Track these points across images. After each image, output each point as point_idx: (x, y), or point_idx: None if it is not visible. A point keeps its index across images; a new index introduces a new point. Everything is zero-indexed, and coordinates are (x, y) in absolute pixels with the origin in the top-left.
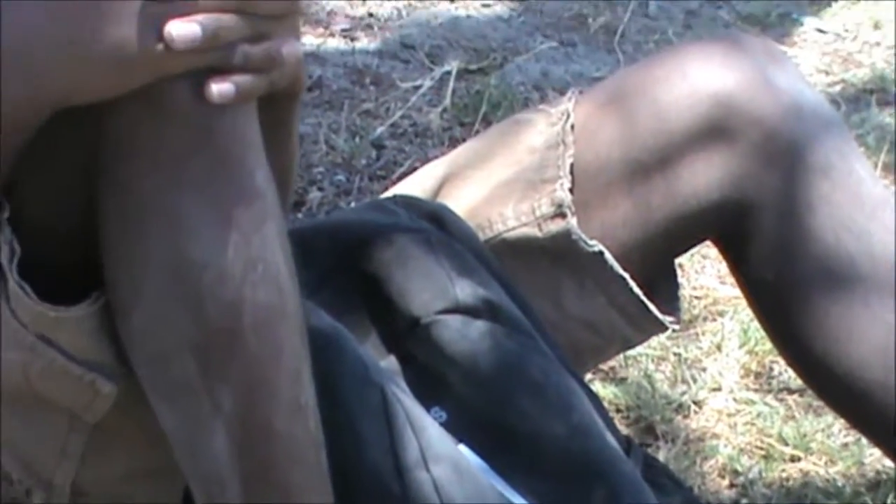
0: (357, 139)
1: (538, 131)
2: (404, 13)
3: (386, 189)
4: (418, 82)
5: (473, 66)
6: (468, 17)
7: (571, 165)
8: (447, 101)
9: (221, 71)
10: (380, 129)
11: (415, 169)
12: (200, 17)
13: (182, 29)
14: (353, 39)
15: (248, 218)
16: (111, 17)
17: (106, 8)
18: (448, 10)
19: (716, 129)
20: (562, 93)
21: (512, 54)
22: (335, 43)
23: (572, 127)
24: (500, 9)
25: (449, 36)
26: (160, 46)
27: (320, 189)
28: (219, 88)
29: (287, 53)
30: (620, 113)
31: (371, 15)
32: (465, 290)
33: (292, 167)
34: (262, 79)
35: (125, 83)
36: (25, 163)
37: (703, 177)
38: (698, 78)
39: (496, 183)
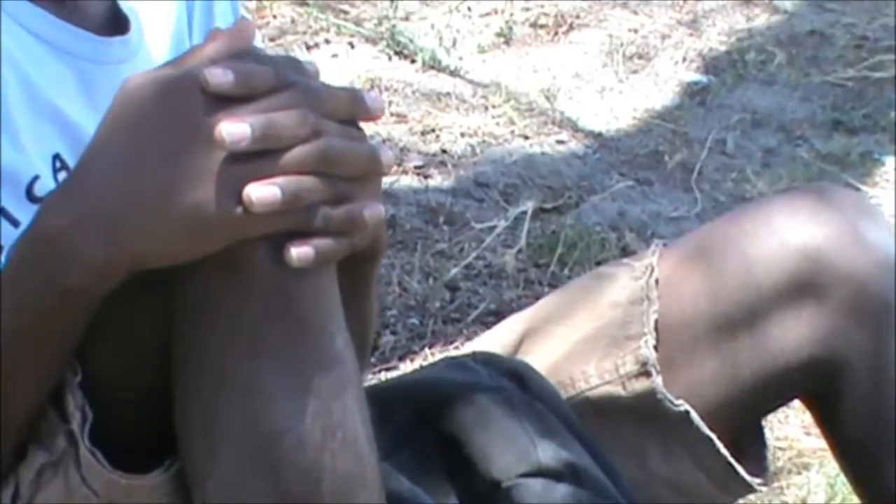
0: (430, 281)
1: (621, 286)
2: (478, 150)
3: (460, 333)
4: (493, 223)
5: (548, 206)
6: (543, 154)
7: (656, 321)
8: (522, 242)
9: (301, 234)
10: (454, 271)
11: (490, 312)
12: (280, 179)
13: (261, 192)
14: (426, 177)
15: (327, 385)
16: (189, 178)
17: (184, 168)
18: (522, 147)
19: (805, 285)
20: (639, 233)
21: (587, 193)
22: (408, 180)
23: (656, 281)
24: (574, 146)
25: (523, 173)
26: (239, 209)
27: (393, 333)
28: (298, 252)
29: (369, 216)
30: (706, 267)
31: (444, 151)
32: (547, 453)
33: (371, 328)
34: (343, 242)
35: (203, 246)
36: (99, 325)
37: (793, 334)
38: (787, 232)
39: (578, 339)
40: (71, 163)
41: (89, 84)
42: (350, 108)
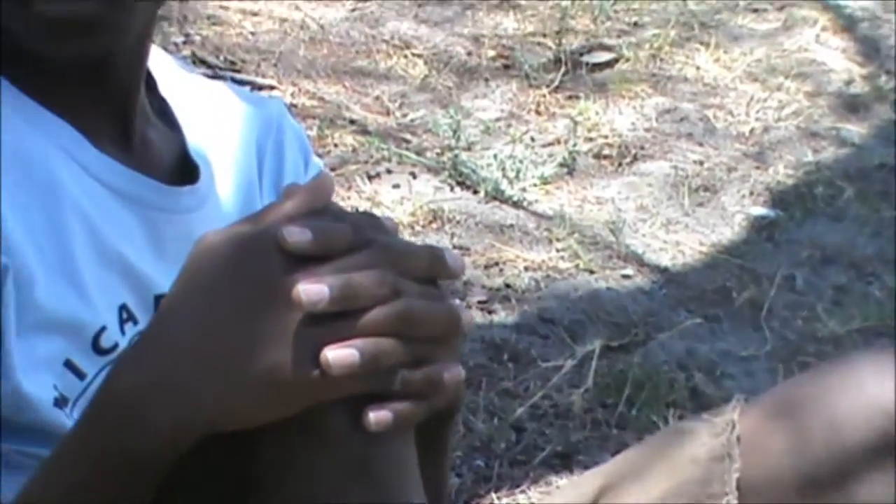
0: (496, 420)
1: (701, 442)
2: (542, 284)
3: (527, 476)
4: (559, 361)
5: (615, 343)
6: (608, 289)
7: (738, 480)
8: (589, 382)
9: (379, 396)
10: (519, 410)
11: (556, 454)
12: (358, 341)
13: (339, 354)
14: (490, 312)
15: None
16: (265, 339)
17: (260, 330)
18: (587, 282)
19: (894, 446)
20: (707, 373)
21: (655, 330)
22: (472, 315)
23: (738, 438)
24: (640, 280)
25: (589, 309)
26: (316, 372)
27: (458, 475)
28: (376, 416)
29: (448, 379)
30: (791, 424)
31: (508, 286)
32: None
33: (446, 484)
34: (422, 405)
35: (279, 409)
36: (170, 486)
37: (882, 495)
38: (875, 390)
39: (657, 496)
40: (137, 313)
41: (157, 233)
42: (430, 268)
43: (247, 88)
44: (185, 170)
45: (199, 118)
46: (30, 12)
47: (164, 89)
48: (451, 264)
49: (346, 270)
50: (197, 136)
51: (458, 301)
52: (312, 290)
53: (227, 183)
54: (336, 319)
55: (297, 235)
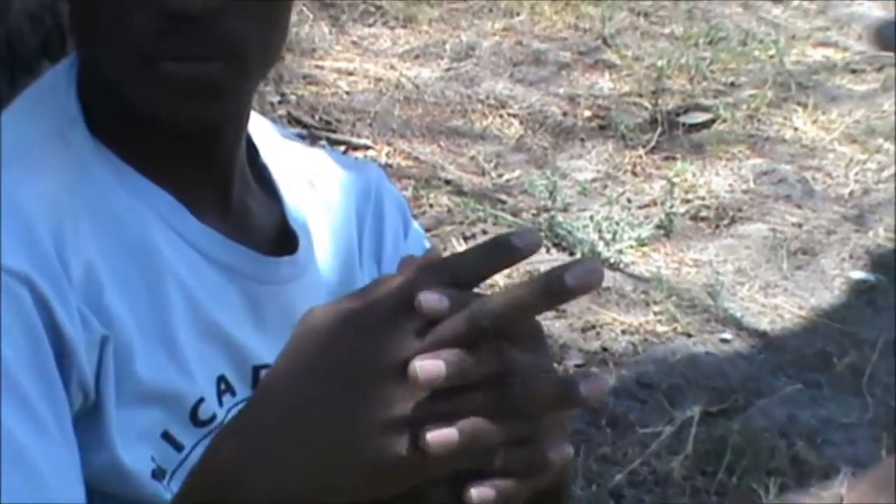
0: (594, 487)
1: None
2: (640, 348)
3: None
4: (657, 427)
5: (714, 409)
6: (707, 353)
7: None
8: (689, 448)
9: (481, 473)
10: (618, 477)
11: None
12: (458, 422)
13: (439, 435)
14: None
15: None
16: (368, 417)
17: (363, 407)
18: (685, 346)
19: None
20: (809, 440)
21: (754, 396)
22: None
23: None
24: (739, 345)
25: (687, 374)
26: (417, 454)
27: None
28: (479, 493)
29: (553, 457)
30: None
31: (605, 349)
32: None
33: None
34: (526, 483)
35: (379, 487)
36: None
37: None
38: None
39: None
40: (236, 384)
41: (256, 304)
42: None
43: (342, 148)
44: (284, 238)
45: (297, 185)
46: (154, 74)
47: (264, 156)
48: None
49: (458, 344)
50: (296, 204)
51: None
52: (429, 366)
53: (326, 251)
54: (438, 397)
55: (435, 303)
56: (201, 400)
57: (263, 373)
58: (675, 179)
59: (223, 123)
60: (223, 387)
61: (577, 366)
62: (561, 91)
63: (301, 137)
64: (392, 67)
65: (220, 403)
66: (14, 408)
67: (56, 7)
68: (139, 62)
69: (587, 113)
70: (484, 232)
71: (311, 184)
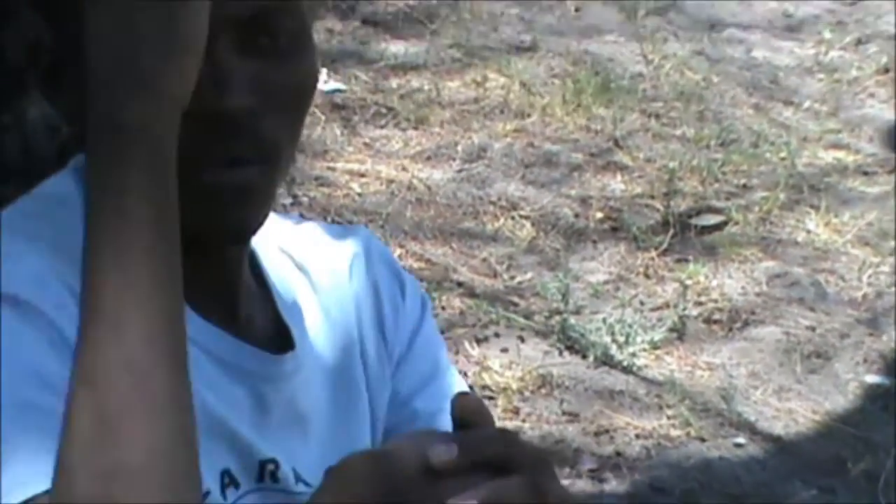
0: None
1: None
2: (654, 453)
3: None
4: None
5: None
6: (720, 458)
7: None
8: None
9: None
10: None
11: None
12: None
13: None
14: (601, 481)
15: None
16: None
17: None
18: (699, 450)
19: None
20: None
21: (769, 501)
22: (582, 484)
23: None
24: (753, 449)
25: (701, 478)
26: None
27: None
28: None
29: None
30: None
31: (619, 454)
32: None
33: None
34: None
35: None
36: None
37: None
38: None
39: None
40: (240, 478)
41: (262, 401)
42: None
43: None
44: (280, 331)
45: (288, 271)
46: (196, 182)
47: (254, 244)
48: None
49: (492, 487)
50: (288, 292)
51: (567, 469)
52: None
53: (321, 335)
54: None
55: (444, 454)
56: (207, 493)
57: (270, 467)
58: (688, 282)
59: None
60: (227, 480)
61: (591, 470)
62: (573, 193)
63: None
64: (404, 169)
65: (224, 497)
66: None
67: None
68: (182, 173)
69: (599, 214)
70: (496, 335)
71: (300, 268)
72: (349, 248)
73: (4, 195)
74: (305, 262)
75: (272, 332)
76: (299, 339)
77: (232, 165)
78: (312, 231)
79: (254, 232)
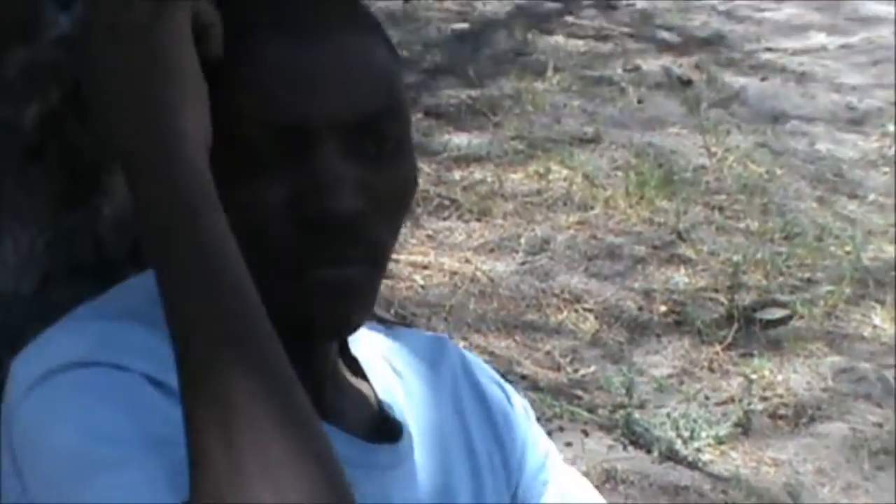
0: None
1: None
2: None
3: None
4: None
5: None
6: None
7: None
8: None
9: None
10: None
11: None
12: None
13: None
14: None
15: None
16: None
17: None
18: None
19: None
20: None
21: None
22: None
23: None
24: None
25: None
26: None
27: None
28: None
29: None
30: None
31: None
32: None
33: None
34: None
35: None
36: None
37: None
38: None
39: None
40: None
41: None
42: None
43: None
44: (380, 428)
45: (386, 374)
46: (302, 280)
47: (352, 346)
48: None
49: None
50: (388, 393)
51: None
52: None
53: (417, 444)
54: None
55: None
56: None
57: None
58: (753, 376)
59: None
60: None
61: None
62: (636, 286)
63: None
64: (467, 261)
65: None
66: None
67: None
68: (286, 272)
69: (663, 308)
70: (560, 428)
71: (396, 372)
72: (444, 361)
73: (79, 296)
74: (401, 368)
75: (372, 426)
76: (406, 437)
77: (337, 265)
78: (406, 339)
79: (356, 328)
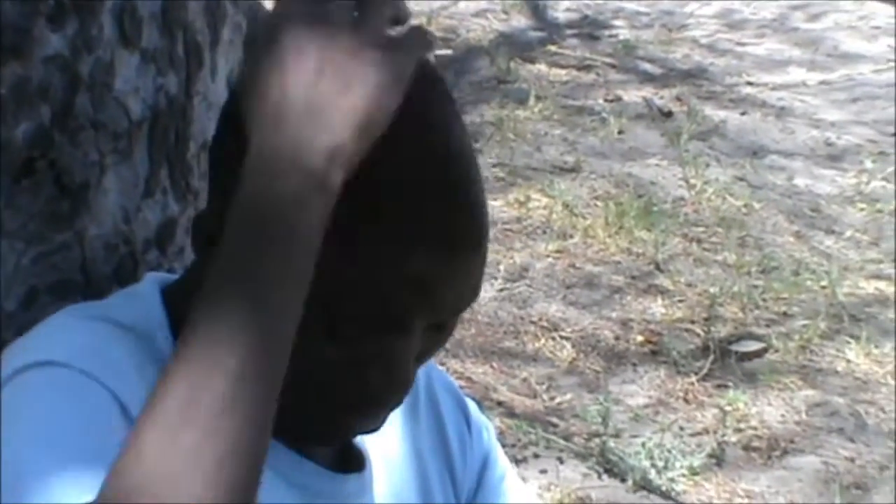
0: None
1: None
2: None
3: None
4: None
5: None
6: None
7: None
8: None
9: None
10: None
11: None
12: None
13: None
14: None
15: None
16: None
17: None
18: None
19: None
20: None
21: None
22: None
23: None
24: None
25: None
26: None
27: None
28: None
29: None
30: None
31: None
32: None
33: None
34: None
35: None
36: None
37: None
38: None
39: None
40: None
41: None
42: None
43: None
44: (347, 456)
45: None
46: (340, 422)
47: None
48: None
49: None
50: None
51: None
52: None
53: (394, 463)
54: None
55: None
56: None
57: None
58: (728, 408)
59: None
60: None
61: None
62: (613, 315)
63: None
64: None
65: None
66: None
67: (129, 237)
68: (328, 414)
69: (639, 338)
70: (536, 455)
71: None
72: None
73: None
74: None
75: (335, 456)
76: (369, 466)
77: (378, 420)
78: None
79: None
